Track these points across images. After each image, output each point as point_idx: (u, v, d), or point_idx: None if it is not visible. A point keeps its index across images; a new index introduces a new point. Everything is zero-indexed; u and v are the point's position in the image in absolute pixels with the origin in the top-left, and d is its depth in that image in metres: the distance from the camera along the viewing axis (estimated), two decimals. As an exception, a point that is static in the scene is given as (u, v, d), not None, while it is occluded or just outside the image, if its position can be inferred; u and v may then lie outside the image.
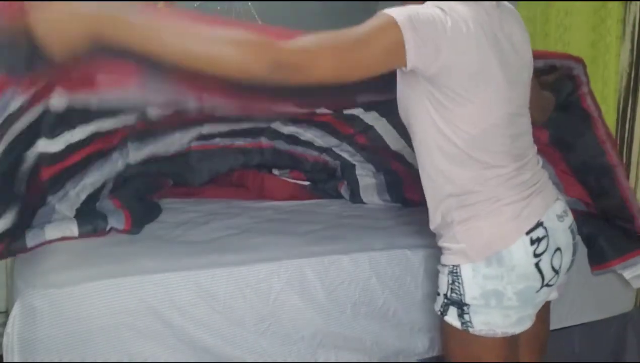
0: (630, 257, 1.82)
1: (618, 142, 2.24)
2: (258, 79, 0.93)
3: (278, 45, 0.91)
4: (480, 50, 1.05)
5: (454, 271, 1.13)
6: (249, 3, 3.41)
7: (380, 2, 3.81)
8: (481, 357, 1.15)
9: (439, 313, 1.18)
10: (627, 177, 2.22)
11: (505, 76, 1.09)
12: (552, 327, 1.80)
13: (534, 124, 1.25)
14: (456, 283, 1.13)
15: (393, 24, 0.97)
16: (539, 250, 1.11)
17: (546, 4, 2.54)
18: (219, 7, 3.33)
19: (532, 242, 1.11)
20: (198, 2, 3.26)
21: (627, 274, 1.83)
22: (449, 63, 1.01)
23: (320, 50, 0.94)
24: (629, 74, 2.21)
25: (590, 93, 1.73)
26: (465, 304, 1.12)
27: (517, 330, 1.14)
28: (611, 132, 1.90)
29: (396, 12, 0.99)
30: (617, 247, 1.82)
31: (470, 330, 1.13)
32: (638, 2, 2.18)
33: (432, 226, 1.21)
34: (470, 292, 1.11)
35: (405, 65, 1.01)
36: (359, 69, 0.99)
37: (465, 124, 1.07)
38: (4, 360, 1.28)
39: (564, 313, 1.82)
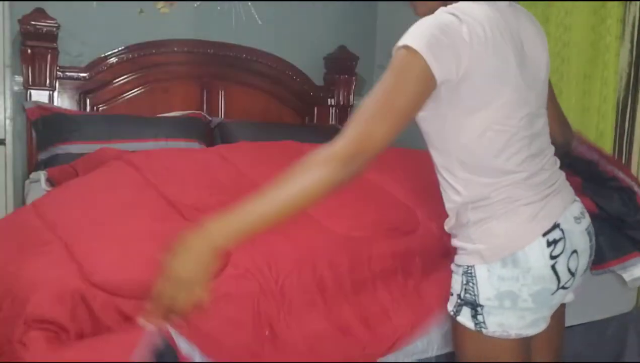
0: (629, 258, 1.82)
1: (618, 142, 2.24)
2: (342, 183, 0.97)
3: (334, 149, 0.96)
4: (499, 52, 1.05)
5: (469, 271, 1.12)
6: (249, 3, 3.41)
7: (380, 2, 3.82)
8: (494, 358, 1.13)
9: (452, 313, 1.17)
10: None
11: (523, 77, 1.09)
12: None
13: (556, 143, 1.25)
14: (470, 284, 1.12)
15: (412, 55, 0.99)
16: (555, 252, 1.10)
17: (546, 3, 2.54)
18: (219, 7, 3.33)
19: (549, 244, 1.09)
20: (198, 2, 3.27)
21: (626, 275, 1.83)
22: (470, 69, 1.01)
23: (366, 124, 0.98)
24: (629, 74, 2.21)
25: (583, 141, 1.68)
26: (479, 305, 1.11)
27: (532, 332, 1.13)
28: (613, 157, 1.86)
29: (411, 39, 1.00)
30: (617, 247, 1.82)
31: (484, 331, 1.12)
32: (638, 2, 2.18)
33: (446, 227, 1.21)
34: (485, 292, 1.10)
35: (437, 85, 1.01)
36: (406, 114, 1.01)
37: (488, 129, 1.07)
38: None
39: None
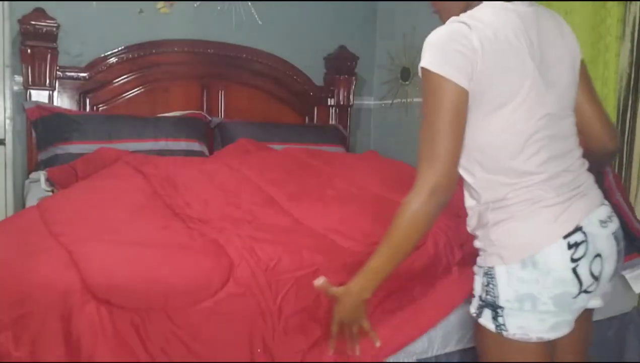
0: (630, 258, 1.82)
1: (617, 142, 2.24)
2: (439, 211, 1.09)
3: (418, 189, 1.06)
4: (512, 54, 1.06)
5: (489, 273, 1.12)
6: (249, 3, 3.41)
7: (380, 2, 3.82)
8: (517, 360, 1.13)
9: (474, 315, 1.17)
10: (628, 177, 2.23)
11: (543, 77, 1.09)
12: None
13: (607, 149, 1.26)
14: (490, 285, 1.12)
15: (435, 77, 1.04)
16: (576, 255, 1.08)
17: (546, 3, 2.54)
18: (219, 7, 3.33)
19: (570, 246, 1.07)
20: (198, 2, 3.27)
21: (628, 275, 1.83)
22: (483, 73, 1.04)
23: (433, 158, 1.05)
24: (629, 74, 2.21)
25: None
26: (499, 307, 1.11)
27: (553, 335, 1.11)
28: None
29: (428, 61, 1.06)
30: None
31: (504, 333, 1.11)
32: (638, 2, 2.18)
33: (469, 228, 1.21)
34: (505, 294, 1.10)
35: (468, 91, 1.05)
36: (455, 132, 1.06)
37: (505, 130, 1.09)
38: None
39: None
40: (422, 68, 1.06)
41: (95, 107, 3.02)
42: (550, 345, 1.14)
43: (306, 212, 1.61)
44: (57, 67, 2.84)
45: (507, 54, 1.06)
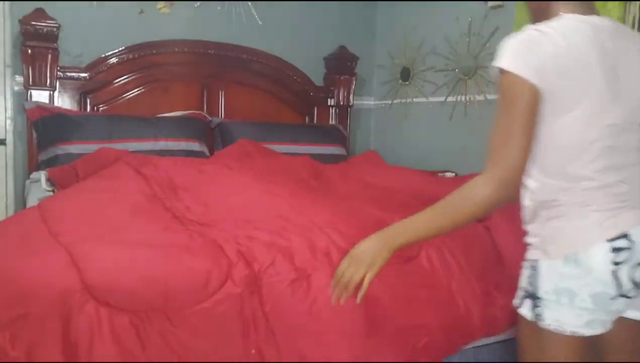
0: None
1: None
2: (500, 204, 1.13)
3: (489, 176, 1.10)
4: (581, 63, 1.11)
5: (534, 265, 1.19)
6: (249, 3, 3.41)
7: (380, 2, 3.82)
8: (552, 351, 1.18)
9: (516, 306, 1.23)
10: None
11: (611, 88, 1.13)
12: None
13: None
14: (533, 277, 1.19)
15: (508, 77, 1.11)
16: (618, 259, 1.12)
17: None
18: (219, 7, 3.34)
19: (613, 250, 1.12)
20: (198, 2, 3.27)
21: None
22: (550, 77, 1.10)
23: (506, 152, 1.10)
24: (629, 74, 2.21)
25: None
26: (538, 297, 1.17)
27: (587, 332, 1.16)
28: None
29: (504, 60, 1.12)
30: None
31: (540, 323, 1.17)
32: (637, 2, 2.18)
33: (524, 225, 1.26)
34: (544, 286, 1.17)
35: (540, 90, 1.10)
36: (528, 129, 1.11)
37: (566, 135, 1.13)
38: None
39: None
40: (499, 68, 1.13)
41: (95, 107, 3.02)
42: (588, 344, 1.19)
43: (306, 212, 1.61)
44: (58, 68, 2.85)
45: (576, 61, 1.11)
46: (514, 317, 1.42)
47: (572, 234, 1.15)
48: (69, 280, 1.18)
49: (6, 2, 2.70)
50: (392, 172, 2.25)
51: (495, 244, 1.66)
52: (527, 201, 1.22)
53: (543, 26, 1.14)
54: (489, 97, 2.95)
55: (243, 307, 1.26)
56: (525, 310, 1.21)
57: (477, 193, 1.11)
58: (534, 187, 1.19)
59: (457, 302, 1.52)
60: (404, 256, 1.49)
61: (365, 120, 3.90)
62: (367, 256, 1.18)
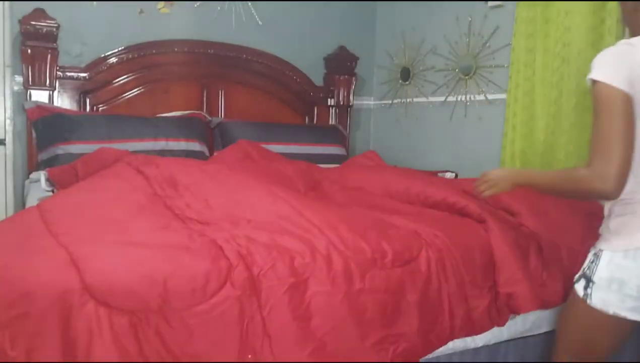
0: None
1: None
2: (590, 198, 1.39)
3: (595, 177, 1.25)
4: None
5: (597, 253, 1.37)
6: (249, 3, 3.41)
7: (380, 2, 3.82)
8: (592, 326, 1.39)
9: (575, 280, 1.43)
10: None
11: None
12: (552, 327, 1.81)
13: None
14: (594, 263, 1.38)
15: (601, 86, 1.26)
16: None
17: (546, 4, 2.54)
18: (219, 7, 3.33)
19: None
20: (198, 2, 3.27)
21: None
22: (637, 84, 1.25)
23: (605, 152, 1.25)
24: (629, 74, 2.21)
25: None
26: (592, 281, 1.37)
27: (630, 315, 1.33)
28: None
29: (597, 72, 1.28)
30: None
31: (588, 301, 1.37)
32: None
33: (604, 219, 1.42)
34: (600, 273, 1.35)
35: (631, 98, 1.26)
36: (625, 132, 1.25)
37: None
38: None
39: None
40: (593, 80, 1.28)
41: (95, 107, 3.02)
42: (631, 328, 1.36)
43: (306, 214, 1.61)
44: (57, 67, 2.85)
45: None
46: (496, 316, 1.60)
47: (636, 231, 1.31)
48: (68, 280, 1.17)
49: (6, 2, 2.70)
50: (390, 175, 2.24)
51: (492, 246, 1.66)
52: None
53: (633, 40, 1.30)
54: (489, 96, 2.95)
55: (241, 310, 1.26)
56: (579, 287, 1.40)
57: (586, 183, 1.26)
58: None
59: (442, 307, 1.53)
60: (403, 258, 1.49)
61: (365, 120, 3.90)
62: (493, 179, 1.51)
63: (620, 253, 1.32)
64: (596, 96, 1.29)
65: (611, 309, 1.34)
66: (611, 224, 1.36)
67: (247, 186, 1.81)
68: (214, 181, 1.87)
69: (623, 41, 1.31)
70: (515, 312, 1.63)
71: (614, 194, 1.26)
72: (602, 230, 1.41)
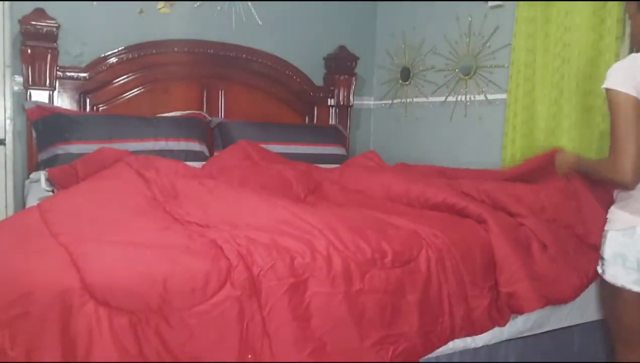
0: None
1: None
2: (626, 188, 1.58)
3: (622, 166, 1.51)
4: None
5: (605, 234, 1.65)
6: (249, 3, 3.41)
7: (380, 2, 3.82)
8: (610, 299, 1.69)
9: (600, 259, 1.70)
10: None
11: None
12: (551, 327, 1.81)
13: None
14: (603, 243, 1.66)
15: (613, 93, 1.51)
16: None
17: (546, 4, 2.54)
18: (219, 7, 3.33)
19: None
20: (198, 2, 3.27)
21: None
22: None
23: (621, 149, 1.51)
24: (629, 74, 2.21)
25: None
26: (603, 258, 1.66)
27: (635, 288, 1.58)
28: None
29: (608, 81, 1.53)
30: None
31: (604, 276, 1.66)
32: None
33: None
34: (607, 250, 1.64)
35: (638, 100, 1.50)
36: (637, 131, 1.49)
37: None
38: None
39: (564, 313, 1.83)
40: (606, 88, 1.53)
41: (95, 107, 3.02)
42: None
43: (306, 217, 1.61)
44: (57, 67, 2.85)
45: None
46: (496, 316, 1.62)
47: (634, 212, 1.56)
48: (68, 280, 1.17)
49: (6, 2, 2.70)
50: (390, 177, 2.23)
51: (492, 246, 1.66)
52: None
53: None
54: (489, 96, 2.95)
55: (241, 310, 1.26)
56: (599, 266, 1.68)
57: (607, 174, 1.58)
58: None
59: (442, 307, 1.53)
60: (403, 258, 1.49)
61: (365, 120, 3.90)
62: (557, 163, 1.91)
63: (620, 231, 1.60)
64: (609, 102, 1.53)
65: (619, 282, 1.60)
66: (615, 207, 1.64)
67: (246, 197, 1.81)
68: (213, 194, 1.87)
69: (632, 55, 1.56)
70: (518, 312, 1.63)
71: (631, 185, 1.52)
72: (609, 213, 1.66)
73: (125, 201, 1.72)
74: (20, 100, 2.82)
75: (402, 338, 1.46)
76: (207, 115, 3.21)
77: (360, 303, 1.40)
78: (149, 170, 2.06)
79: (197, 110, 3.21)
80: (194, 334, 1.20)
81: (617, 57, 2.23)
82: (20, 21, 2.71)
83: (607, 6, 2.27)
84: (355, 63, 3.64)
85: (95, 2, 3.00)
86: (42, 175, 2.32)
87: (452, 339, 1.56)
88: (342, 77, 3.62)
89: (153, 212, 1.66)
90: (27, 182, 2.67)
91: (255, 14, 3.42)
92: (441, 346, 1.54)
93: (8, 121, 2.77)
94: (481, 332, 1.61)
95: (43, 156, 2.67)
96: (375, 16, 3.84)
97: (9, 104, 2.76)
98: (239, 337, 1.25)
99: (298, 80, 3.55)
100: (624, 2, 2.22)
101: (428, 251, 1.54)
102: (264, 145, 2.95)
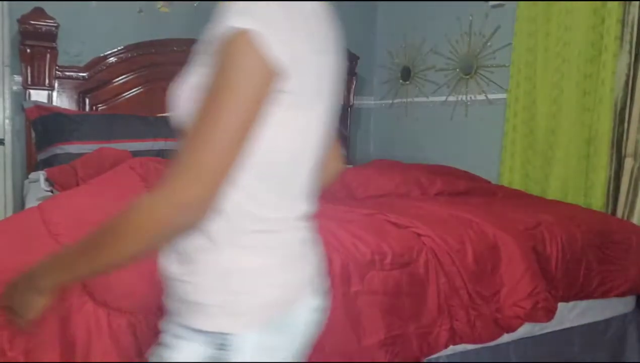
0: None
1: (615, 142, 2.23)
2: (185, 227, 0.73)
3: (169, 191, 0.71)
4: None
5: None
6: (249, 3, 3.40)
7: (380, 2, 3.81)
8: None
9: None
10: (620, 178, 2.22)
11: None
12: (552, 328, 1.81)
13: None
14: None
15: None
16: None
17: (547, 3, 2.54)
18: (219, 7, 3.32)
19: None
20: (198, 2, 3.27)
21: None
22: None
23: None
24: (627, 74, 2.20)
25: None
26: None
27: None
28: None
29: None
30: None
31: None
32: (637, 3, 2.17)
33: None
34: None
35: None
36: None
37: None
38: None
39: (564, 313, 1.82)
40: None
41: (94, 107, 3.01)
42: None
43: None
44: (57, 67, 2.84)
45: None
46: (495, 326, 1.57)
47: None
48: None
49: (5, 2, 2.69)
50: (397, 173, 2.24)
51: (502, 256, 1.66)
52: None
53: None
54: (490, 96, 2.95)
55: None
56: None
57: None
58: None
59: (441, 310, 1.52)
60: (402, 260, 1.49)
61: (366, 120, 3.89)
62: (13, 304, 0.90)
63: None
64: None
65: None
66: None
67: None
68: None
69: None
70: (514, 327, 1.63)
71: None
72: None
73: (126, 202, 1.72)
74: (19, 99, 2.81)
75: (399, 340, 1.45)
76: (206, 115, 3.20)
77: (359, 304, 1.39)
78: (153, 175, 2.06)
79: (197, 109, 3.20)
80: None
81: (616, 57, 2.23)
82: (19, 20, 2.70)
83: (607, 6, 2.27)
84: (356, 62, 3.63)
85: (94, 2, 2.99)
86: (41, 175, 2.31)
87: (452, 344, 1.55)
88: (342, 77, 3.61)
89: None
90: (26, 181, 2.66)
91: (255, 13, 3.41)
92: (439, 350, 1.54)
93: (7, 121, 2.76)
94: (481, 342, 1.60)
95: (42, 156, 2.67)
96: (375, 15, 3.83)
97: (7, 104, 2.75)
98: None
99: (298, 79, 3.53)
100: (623, 3, 2.21)
101: (427, 254, 1.53)
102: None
